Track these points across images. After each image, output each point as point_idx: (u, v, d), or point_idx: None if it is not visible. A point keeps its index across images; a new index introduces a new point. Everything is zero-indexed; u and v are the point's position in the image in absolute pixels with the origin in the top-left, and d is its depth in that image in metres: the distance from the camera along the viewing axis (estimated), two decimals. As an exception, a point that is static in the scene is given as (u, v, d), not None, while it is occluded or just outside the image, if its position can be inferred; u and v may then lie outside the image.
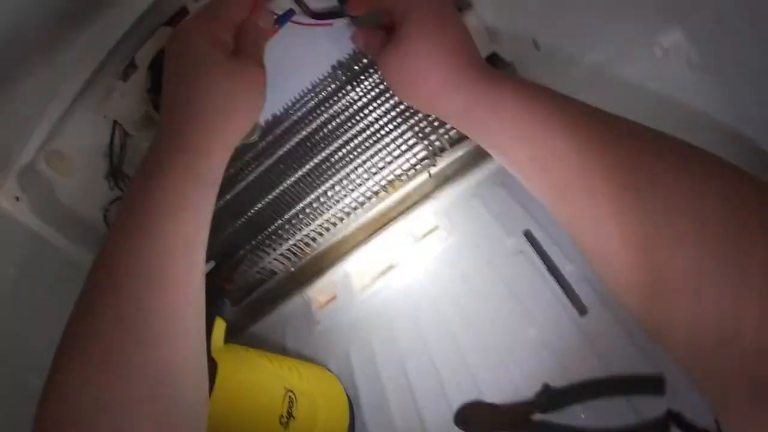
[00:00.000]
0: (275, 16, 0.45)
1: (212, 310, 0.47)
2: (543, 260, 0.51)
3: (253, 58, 0.42)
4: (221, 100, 0.39)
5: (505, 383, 0.47)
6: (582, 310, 0.47)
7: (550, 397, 0.44)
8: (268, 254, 0.63)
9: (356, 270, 0.64)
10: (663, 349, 0.30)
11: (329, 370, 0.58)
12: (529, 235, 0.53)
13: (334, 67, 0.54)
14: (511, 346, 0.49)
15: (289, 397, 0.48)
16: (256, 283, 0.68)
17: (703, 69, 0.33)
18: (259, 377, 0.47)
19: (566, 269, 0.49)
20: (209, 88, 0.38)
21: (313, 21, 0.48)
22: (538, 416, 0.44)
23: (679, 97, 0.37)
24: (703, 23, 0.31)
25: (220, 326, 0.47)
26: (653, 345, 0.42)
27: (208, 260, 0.42)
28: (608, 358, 0.44)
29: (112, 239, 0.35)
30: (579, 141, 0.31)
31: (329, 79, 0.55)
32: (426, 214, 0.62)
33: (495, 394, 0.47)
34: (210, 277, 0.56)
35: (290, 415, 0.47)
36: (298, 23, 0.47)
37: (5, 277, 0.53)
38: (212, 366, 0.43)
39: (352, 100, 0.55)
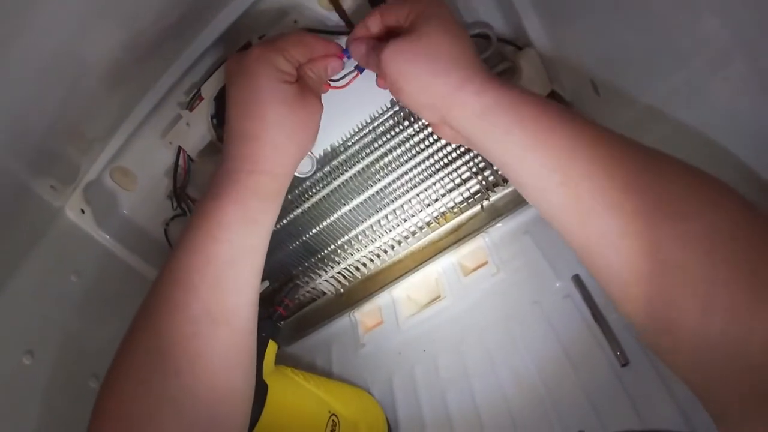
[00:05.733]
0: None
1: (266, 333, 0.53)
2: (589, 307, 0.54)
3: (313, 90, 0.47)
4: (281, 126, 0.44)
5: (542, 425, 0.51)
6: (624, 360, 0.50)
7: (585, 446, 0.48)
8: (320, 276, 0.70)
9: (404, 297, 0.69)
10: (664, 361, 0.34)
11: (371, 395, 0.64)
12: (577, 280, 0.57)
13: (392, 102, 0.60)
14: (551, 389, 0.53)
15: (333, 421, 0.54)
16: (305, 301, 0.75)
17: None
18: (304, 401, 0.54)
19: (611, 318, 0.53)
20: (268, 114, 0.44)
21: None
22: (571, 463, 0.48)
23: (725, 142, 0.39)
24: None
25: (272, 349, 0.53)
26: (691, 403, 0.46)
27: (263, 279, 0.48)
28: (644, 411, 0.47)
29: (183, 246, 0.42)
30: (604, 158, 0.34)
31: (387, 114, 0.60)
32: (476, 247, 0.66)
33: (531, 436, 0.52)
34: (266, 301, 0.63)
35: (333, 437, 0.53)
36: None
37: (68, 284, 0.60)
38: (263, 388, 0.49)
39: (409, 135, 0.60)
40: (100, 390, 0.38)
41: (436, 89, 0.40)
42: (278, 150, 0.45)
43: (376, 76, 0.48)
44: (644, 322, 0.33)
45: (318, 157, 0.62)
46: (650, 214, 0.32)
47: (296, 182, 0.63)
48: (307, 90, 0.46)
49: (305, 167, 0.56)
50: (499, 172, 0.63)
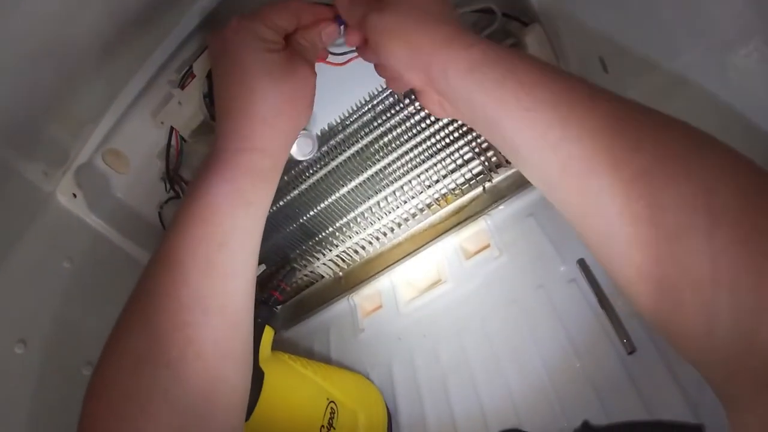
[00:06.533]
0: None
1: (262, 318, 0.52)
2: (595, 292, 0.53)
3: (304, 58, 0.44)
4: (268, 97, 0.42)
5: (545, 414, 0.50)
6: (630, 348, 0.49)
7: (589, 435, 0.47)
8: (318, 259, 0.68)
9: (404, 281, 0.68)
10: (673, 345, 0.31)
11: (371, 380, 0.62)
12: (583, 264, 0.55)
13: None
14: (554, 376, 0.52)
15: (331, 408, 0.52)
16: (303, 285, 0.73)
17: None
18: (302, 388, 0.52)
19: (618, 304, 0.51)
20: (253, 86, 0.41)
21: None
22: (574, 452, 0.47)
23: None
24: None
25: (268, 334, 0.52)
26: (697, 393, 0.44)
27: (259, 262, 0.46)
28: (651, 401, 0.46)
29: (173, 230, 0.40)
30: (605, 113, 0.32)
31: (387, 92, 0.58)
32: (478, 230, 0.65)
33: (534, 424, 0.50)
34: (262, 286, 0.62)
35: (330, 425, 0.52)
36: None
37: (60, 271, 0.58)
38: (260, 375, 0.47)
39: (409, 114, 0.58)
40: (91, 380, 0.36)
41: (424, 45, 0.38)
42: (268, 124, 0.42)
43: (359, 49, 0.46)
44: (648, 297, 0.31)
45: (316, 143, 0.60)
46: (655, 175, 0.29)
47: (293, 163, 0.61)
48: (297, 58, 0.43)
49: (306, 148, 0.54)
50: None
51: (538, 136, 0.34)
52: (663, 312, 0.30)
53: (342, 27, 0.45)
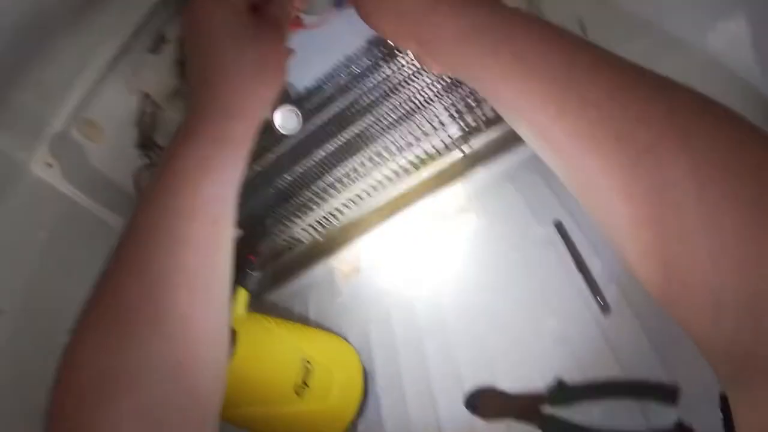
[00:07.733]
0: None
1: (235, 280, 0.51)
2: (572, 254, 0.53)
3: (275, 26, 0.43)
4: (237, 63, 0.40)
5: (520, 372, 0.51)
6: (606, 309, 0.49)
7: (562, 392, 0.47)
8: (296, 224, 0.67)
9: (382, 245, 0.67)
10: (683, 328, 0.29)
11: (348, 342, 0.62)
12: (560, 227, 0.55)
13: (369, 42, 0.56)
14: (530, 336, 0.52)
15: (306, 367, 0.52)
16: (281, 250, 0.72)
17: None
18: (276, 347, 0.52)
19: (595, 266, 0.51)
20: (222, 53, 0.40)
21: None
22: (547, 409, 0.47)
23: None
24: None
25: (242, 296, 0.51)
26: (672, 354, 0.44)
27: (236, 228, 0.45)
28: (625, 361, 0.46)
29: (140, 202, 0.38)
30: (606, 84, 0.30)
31: (364, 55, 0.56)
32: (456, 194, 0.64)
33: (508, 382, 0.51)
34: (237, 248, 0.60)
35: (305, 384, 0.51)
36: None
37: (36, 241, 0.56)
38: (231, 335, 0.47)
39: (385, 75, 0.56)
40: (61, 356, 0.34)
41: (409, 12, 0.36)
42: (238, 91, 0.40)
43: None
44: (655, 276, 0.29)
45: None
46: (660, 150, 0.27)
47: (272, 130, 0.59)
48: (266, 24, 0.42)
49: (290, 123, 0.52)
50: (481, 117, 0.60)
51: (536, 109, 0.32)
52: (670, 293, 0.29)
53: None
